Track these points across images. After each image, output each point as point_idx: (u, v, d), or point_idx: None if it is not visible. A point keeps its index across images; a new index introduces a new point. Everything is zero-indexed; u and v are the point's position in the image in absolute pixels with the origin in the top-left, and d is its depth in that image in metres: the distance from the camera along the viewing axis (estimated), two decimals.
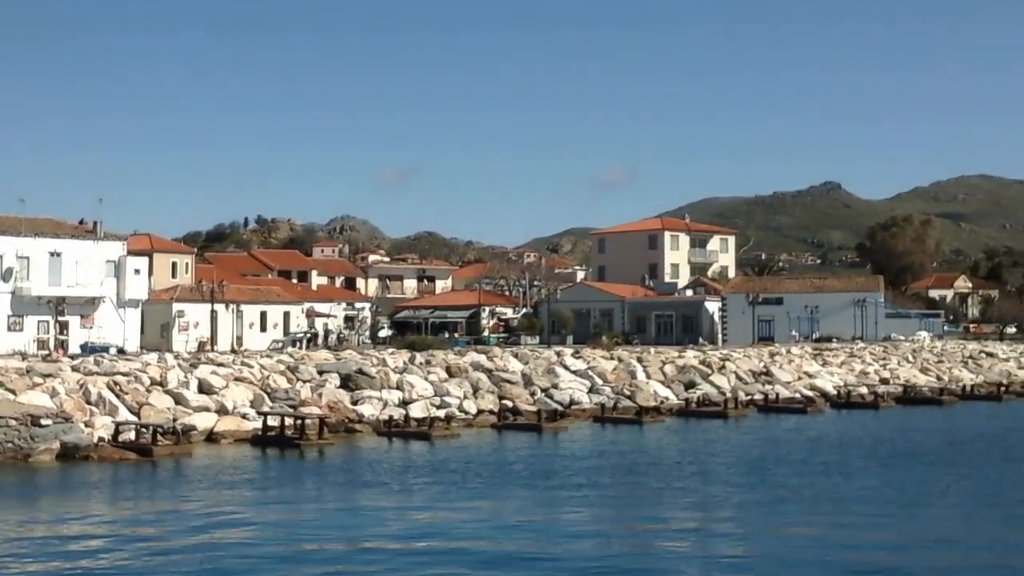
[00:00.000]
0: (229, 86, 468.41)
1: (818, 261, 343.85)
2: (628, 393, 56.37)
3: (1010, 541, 24.93)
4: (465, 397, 51.58)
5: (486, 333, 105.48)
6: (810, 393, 63.11)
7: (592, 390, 56.51)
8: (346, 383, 49.86)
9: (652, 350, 70.73)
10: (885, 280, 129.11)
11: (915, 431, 48.72)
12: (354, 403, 48.11)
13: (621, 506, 30.08)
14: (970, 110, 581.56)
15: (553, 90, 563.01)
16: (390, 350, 66.54)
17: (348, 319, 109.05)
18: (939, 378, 73.33)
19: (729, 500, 30.53)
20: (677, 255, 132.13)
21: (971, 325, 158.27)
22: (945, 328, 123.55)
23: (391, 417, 46.84)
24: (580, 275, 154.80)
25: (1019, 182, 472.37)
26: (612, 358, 63.54)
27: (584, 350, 68.83)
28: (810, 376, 67.19)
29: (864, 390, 65.60)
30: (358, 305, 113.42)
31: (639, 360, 63.06)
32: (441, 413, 48.71)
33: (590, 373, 58.73)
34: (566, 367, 59.29)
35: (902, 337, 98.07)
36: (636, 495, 31.59)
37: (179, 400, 44.06)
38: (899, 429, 49.61)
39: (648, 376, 60.36)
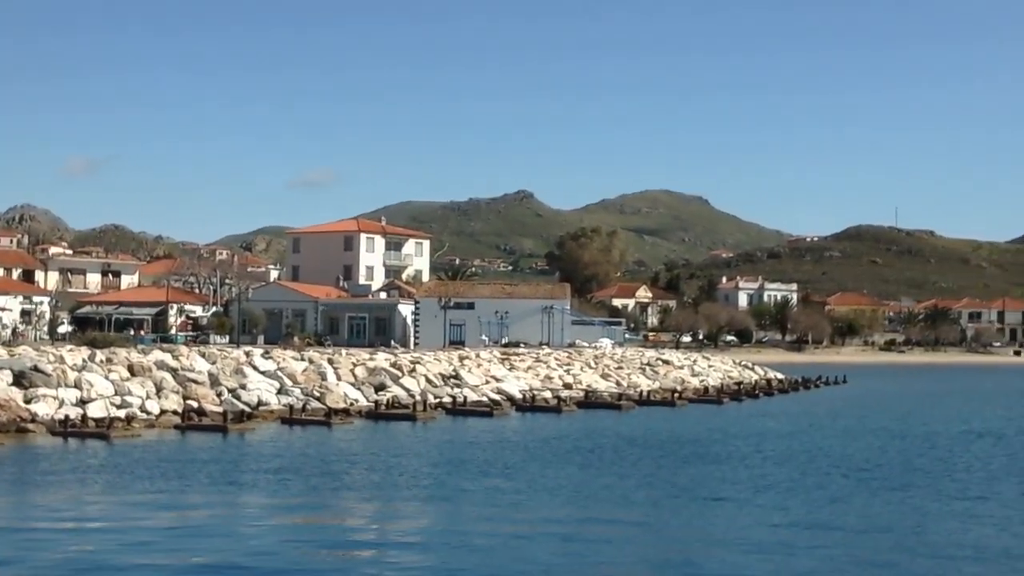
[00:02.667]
0: None
1: (509, 268, 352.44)
2: (318, 395, 56.03)
3: (691, 537, 26.34)
4: (148, 397, 49.91)
5: (173, 331, 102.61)
6: (497, 397, 64.42)
7: (281, 391, 55.80)
8: (19, 380, 47.28)
9: (344, 352, 70.54)
10: (572, 288, 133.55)
11: (597, 433, 50.44)
12: (27, 401, 45.72)
13: (303, 507, 29.82)
14: (654, 127, 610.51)
15: (256, 88, 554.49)
16: (69, 347, 63.62)
17: (25, 313, 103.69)
18: (618, 384, 76.32)
19: (415, 498, 30.85)
20: (372, 257, 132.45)
21: (650, 333, 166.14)
22: (626, 336, 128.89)
23: (67, 416, 44.82)
24: (274, 274, 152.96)
25: (698, 198, 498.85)
26: (303, 359, 62.97)
27: (275, 350, 67.92)
28: (498, 380, 68.58)
29: (548, 394, 67.56)
30: (36, 299, 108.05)
31: (330, 362, 62.73)
32: (122, 413, 46.98)
33: (279, 374, 57.97)
34: (255, 367, 58.27)
35: (585, 344, 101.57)
36: (320, 496, 31.41)
37: None
38: (582, 432, 51.27)
39: (339, 378, 60.12)
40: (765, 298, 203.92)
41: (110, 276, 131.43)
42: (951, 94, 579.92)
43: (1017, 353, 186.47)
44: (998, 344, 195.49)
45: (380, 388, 60.32)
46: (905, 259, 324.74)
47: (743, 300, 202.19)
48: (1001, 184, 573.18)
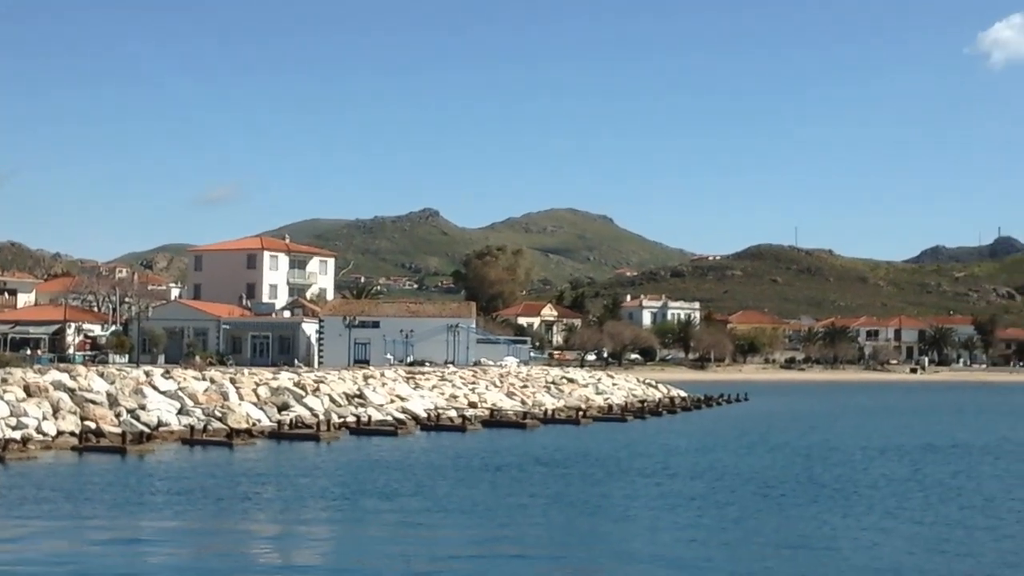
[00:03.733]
0: None
1: (415, 286, 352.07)
2: (219, 415, 55.28)
3: (605, 555, 26.45)
4: (44, 418, 48.80)
5: (71, 351, 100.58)
6: (402, 416, 64.13)
7: (182, 411, 54.98)
8: None
9: (247, 371, 69.72)
10: (477, 306, 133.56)
11: (503, 452, 50.37)
12: None
13: (204, 530, 29.39)
14: (559, 145, 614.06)
15: (158, 103, 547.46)
16: None
17: None
18: (523, 402, 76.42)
19: (320, 521, 30.58)
20: (276, 275, 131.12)
21: (555, 352, 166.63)
22: (531, 354, 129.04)
23: None
24: (175, 293, 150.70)
25: (603, 217, 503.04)
26: (204, 379, 62.09)
27: (175, 370, 66.89)
28: (402, 399, 68.27)
29: (453, 413, 67.42)
30: None
31: (232, 381, 61.94)
32: (17, 435, 45.89)
33: (180, 394, 57.10)
34: (155, 387, 57.32)
35: (491, 362, 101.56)
36: (221, 519, 30.97)
37: None
38: (489, 450, 51.18)
39: (241, 397, 59.39)
40: (669, 316, 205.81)
41: (6, 294, 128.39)
42: (851, 116, 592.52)
43: (913, 371, 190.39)
44: (895, 362, 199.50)
45: (283, 408, 59.73)
46: (805, 278, 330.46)
47: (647, 318, 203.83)
48: (898, 205, 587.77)
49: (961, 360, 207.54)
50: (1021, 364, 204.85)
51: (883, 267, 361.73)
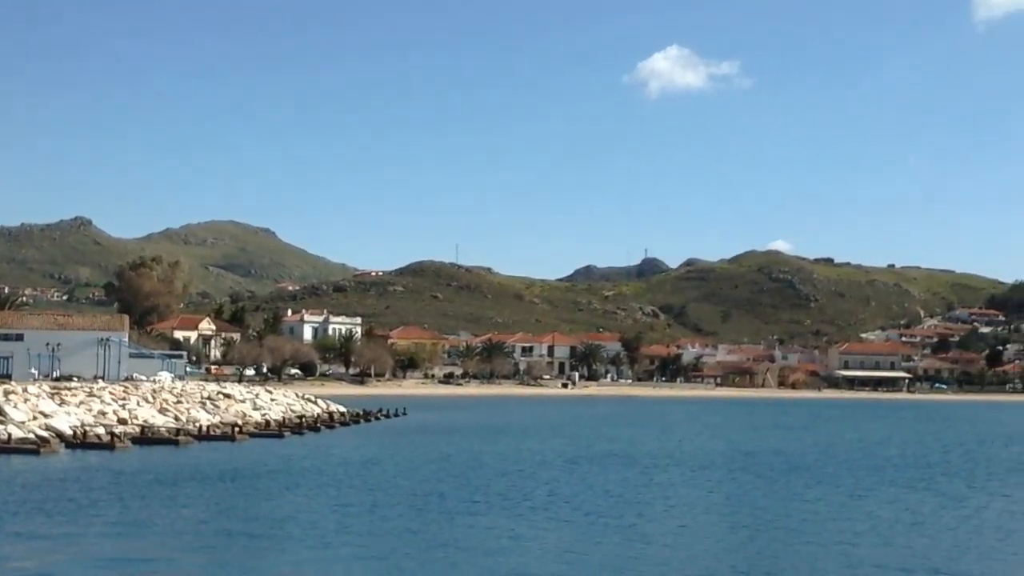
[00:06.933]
0: None
1: (64, 297, 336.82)
2: None
3: (260, 571, 26.12)
4: None
5: None
6: (45, 433, 61.01)
7: None
8: None
9: None
10: (131, 320, 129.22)
11: (155, 469, 48.74)
12: None
13: None
14: (223, 156, 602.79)
15: None
16: None
17: None
18: (177, 418, 74.29)
19: None
20: None
21: (213, 367, 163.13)
22: (188, 369, 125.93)
23: None
24: None
25: (265, 230, 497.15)
26: None
27: None
28: (46, 416, 64.97)
29: (101, 430, 64.75)
30: None
31: None
32: None
33: None
34: None
35: (144, 377, 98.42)
36: None
37: None
38: (139, 468, 49.42)
39: None
40: (330, 331, 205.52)
41: None
42: (510, 135, 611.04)
43: (564, 385, 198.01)
44: (547, 377, 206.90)
45: None
46: (464, 295, 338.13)
47: (308, 333, 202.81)
48: (554, 225, 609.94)
49: (609, 375, 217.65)
50: (663, 379, 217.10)
51: (538, 285, 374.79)
